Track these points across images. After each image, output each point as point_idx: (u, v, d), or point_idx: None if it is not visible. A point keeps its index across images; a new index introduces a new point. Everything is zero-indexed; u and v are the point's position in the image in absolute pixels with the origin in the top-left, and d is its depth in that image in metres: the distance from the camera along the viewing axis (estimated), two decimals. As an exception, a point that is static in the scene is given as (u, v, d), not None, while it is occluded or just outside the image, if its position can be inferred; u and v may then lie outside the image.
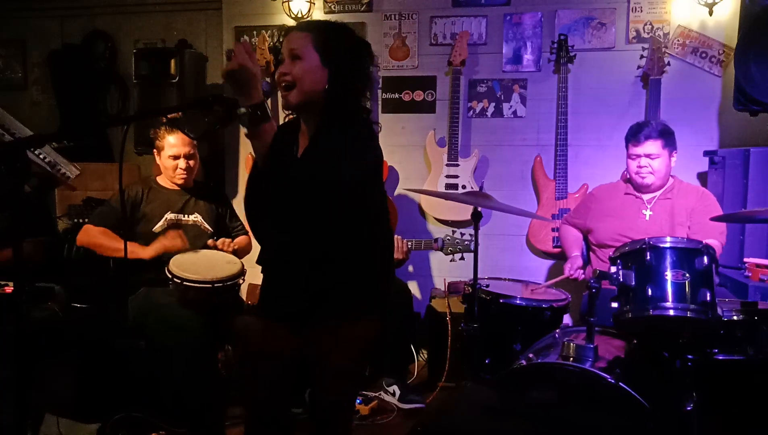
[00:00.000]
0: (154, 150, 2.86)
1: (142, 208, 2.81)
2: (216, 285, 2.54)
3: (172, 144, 2.80)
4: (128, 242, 2.68)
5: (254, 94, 1.59)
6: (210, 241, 2.82)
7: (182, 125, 2.74)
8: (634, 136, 2.81)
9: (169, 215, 2.82)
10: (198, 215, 2.87)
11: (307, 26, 1.73)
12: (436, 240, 3.23)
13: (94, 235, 2.76)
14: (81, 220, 3.34)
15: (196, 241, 2.81)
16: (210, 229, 2.88)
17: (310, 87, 1.65)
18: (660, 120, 3.26)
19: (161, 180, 2.91)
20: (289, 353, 1.76)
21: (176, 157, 2.80)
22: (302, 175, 1.62)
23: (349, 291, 1.72)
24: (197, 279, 2.53)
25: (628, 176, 2.96)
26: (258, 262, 1.82)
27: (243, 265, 2.72)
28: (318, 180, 1.61)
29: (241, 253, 2.88)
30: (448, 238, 3.19)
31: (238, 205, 3.14)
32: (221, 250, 2.79)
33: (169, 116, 2.71)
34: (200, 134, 2.51)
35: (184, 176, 2.83)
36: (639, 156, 2.80)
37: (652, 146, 2.77)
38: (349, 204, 1.68)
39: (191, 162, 2.84)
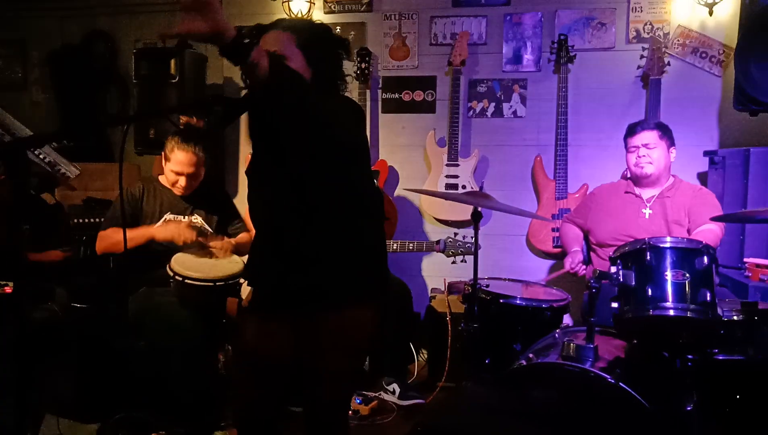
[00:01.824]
0: (162, 153, 2.81)
1: (143, 206, 2.80)
2: (218, 284, 2.53)
3: (179, 161, 2.71)
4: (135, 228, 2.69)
5: (218, 22, 1.23)
6: (210, 242, 2.74)
7: (198, 136, 2.67)
8: (631, 130, 2.92)
9: (169, 216, 2.81)
10: (198, 217, 2.86)
11: (288, 25, 1.66)
12: (437, 242, 3.23)
13: (109, 237, 2.74)
14: (81, 221, 3.33)
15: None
16: (210, 230, 2.87)
17: None
18: (659, 120, 3.29)
19: (163, 180, 2.89)
20: (286, 354, 1.75)
21: (179, 174, 2.76)
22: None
23: (347, 276, 1.70)
24: (199, 277, 2.52)
25: (628, 175, 2.98)
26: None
27: (244, 264, 2.70)
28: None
29: (242, 250, 2.87)
30: (450, 240, 3.19)
31: (238, 204, 3.15)
32: (218, 256, 2.70)
33: (185, 121, 2.64)
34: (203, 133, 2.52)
35: (182, 192, 2.80)
36: (637, 147, 2.86)
37: (648, 136, 2.85)
38: (340, 170, 1.64)
39: (193, 180, 2.80)
